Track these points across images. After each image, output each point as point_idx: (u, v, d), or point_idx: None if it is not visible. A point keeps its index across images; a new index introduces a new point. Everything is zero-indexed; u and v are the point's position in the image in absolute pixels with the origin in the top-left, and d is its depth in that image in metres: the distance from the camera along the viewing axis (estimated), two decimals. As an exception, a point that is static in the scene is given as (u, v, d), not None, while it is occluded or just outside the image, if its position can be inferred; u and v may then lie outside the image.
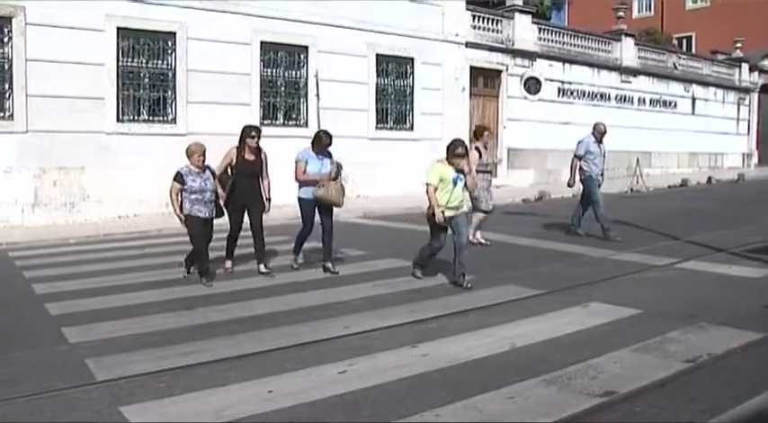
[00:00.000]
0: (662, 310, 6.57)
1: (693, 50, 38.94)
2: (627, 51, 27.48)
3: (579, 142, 12.19)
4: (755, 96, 35.65)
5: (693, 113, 30.87)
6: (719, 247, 10.25)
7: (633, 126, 26.70)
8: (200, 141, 8.06)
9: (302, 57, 17.42)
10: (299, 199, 8.64)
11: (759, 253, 9.77)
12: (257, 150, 8.51)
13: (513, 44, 22.74)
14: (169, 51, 15.23)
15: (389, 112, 19.39)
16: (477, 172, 10.01)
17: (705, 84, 31.87)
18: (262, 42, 16.61)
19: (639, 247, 10.22)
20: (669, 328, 5.90)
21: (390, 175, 18.01)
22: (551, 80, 24.00)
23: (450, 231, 7.79)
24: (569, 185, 12.30)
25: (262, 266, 8.54)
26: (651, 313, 6.46)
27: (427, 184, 7.72)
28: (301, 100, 17.44)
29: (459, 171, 7.69)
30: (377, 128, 18.50)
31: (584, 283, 7.85)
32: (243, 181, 8.36)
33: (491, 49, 22.14)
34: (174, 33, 15.20)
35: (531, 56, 23.29)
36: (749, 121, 35.38)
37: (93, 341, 5.68)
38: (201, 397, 4.39)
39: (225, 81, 15.85)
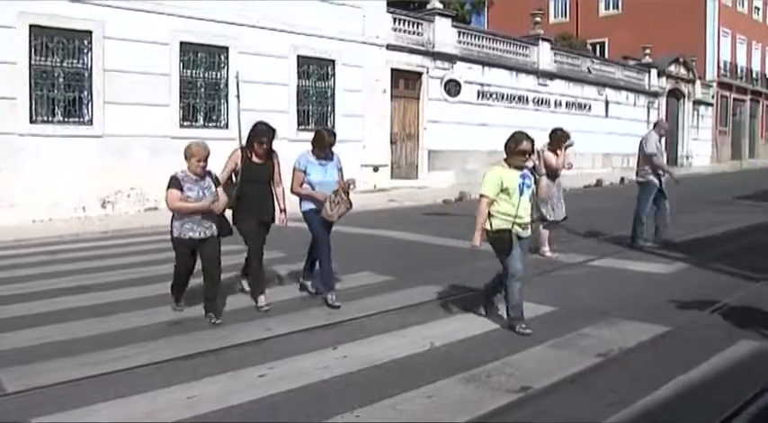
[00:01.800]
0: (576, 307, 6.79)
1: (606, 55, 40.24)
2: (544, 55, 28.19)
3: (645, 140, 10.88)
4: (663, 100, 37.10)
5: (607, 116, 31.88)
6: (632, 244, 10.64)
7: (550, 128, 27.26)
8: (203, 141, 6.59)
9: (223, 57, 17.21)
10: (304, 213, 7.15)
11: (669, 249, 10.21)
12: (269, 152, 6.98)
13: (433, 47, 23.02)
14: (85, 50, 14.80)
15: (311, 113, 19.37)
16: (549, 176, 9.30)
17: (617, 87, 32.99)
18: (181, 43, 16.33)
19: (556, 246, 10.50)
20: (583, 324, 6.11)
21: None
22: (471, 83, 24.37)
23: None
24: (677, 182, 11.10)
25: (261, 299, 6.88)
26: (566, 310, 6.68)
27: (481, 196, 6.01)
28: (222, 101, 17.23)
29: (525, 175, 6.04)
30: (298, 129, 18.42)
31: None
32: (251, 189, 6.79)
33: (412, 51, 22.33)
34: (91, 32, 14.78)
35: (451, 59, 23.61)
36: (659, 123, 36.77)
37: (4, 351, 5.47)
38: (118, 406, 4.31)
39: (143, 82, 15.50)
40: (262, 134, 6.81)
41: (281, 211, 7.07)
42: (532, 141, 6.01)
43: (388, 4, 21.91)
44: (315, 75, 19.49)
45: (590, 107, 30.85)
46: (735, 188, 22.46)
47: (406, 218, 15.00)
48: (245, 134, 6.97)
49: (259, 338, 5.73)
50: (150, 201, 15.40)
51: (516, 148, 5.92)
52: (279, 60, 18.31)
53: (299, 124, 18.66)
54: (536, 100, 27.46)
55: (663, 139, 11.04)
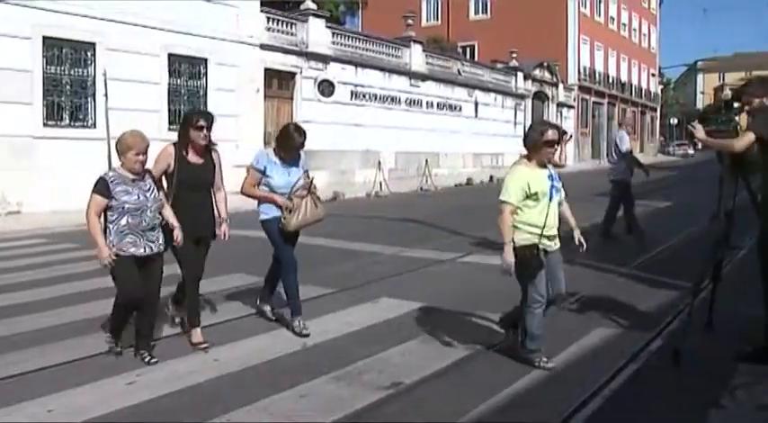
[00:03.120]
0: (445, 303, 6.97)
1: (476, 58, 41.61)
2: (416, 57, 28.81)
3: (620, 139, 11.16)
4: (529, 102, 38.80)
5: (477, 117, 32.95)
6: (500, 240, 11.01)
7: (422, 128, 28.05)
8: (139, 130, 5.27)
9: (89, 54, 16.59)
10: (263, 222, 6.02)
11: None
12: (207, 149, 5.64)
13: (307, 47, 23.06)
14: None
15: (182, 113, 18.85)
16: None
17: (486, 89, 34.16)
18: (44, 37, 15.60)
19: (428, 244, 10.78)
20: (452, 319, 6.33)
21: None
22: (344, 83, 24.60)
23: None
24: (648, 174, 11.64)
25: (198, 334, 5.60)
26: (436, 306, 6.85)
27: (503, 203, 4.88)
28: (89, 100, 16.60)
29: (552, 175, 5.03)
30: (170, 129, 17.95)
31: (375, 280, 8.16)
32: (187, 195, 5.49)
33: (286, 51, 22.32)
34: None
35: (324, 59, 23.73)
36: (524, 124, 38.30)
37: None
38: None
39: (2, 78, 14.71)
40: (198, 116, 5.54)
41: (221, 222, 5.78)
42: (559, 129, 5.07)
43: (262, 4, 21.80)
44: (187, 73, 19.11)
45: (460, 108, 31.78)
46: (593, 185, 23.68)
47: (281, 218, 14.91)
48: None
49: (126, 345, 5.49)
50: (12, 204, 14.66)
51: (542, 140, 4.86)
52: (150, 58, 17.82)
53: (170, 124, 18.17)
54: (408, 101, 28.01)
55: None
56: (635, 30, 60.15)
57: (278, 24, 22.35)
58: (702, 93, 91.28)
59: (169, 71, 18.49)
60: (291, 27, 22.83)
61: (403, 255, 10.05)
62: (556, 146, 5.02)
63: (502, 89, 35.81)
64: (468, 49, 45.20)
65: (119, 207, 5.02)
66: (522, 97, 37.85)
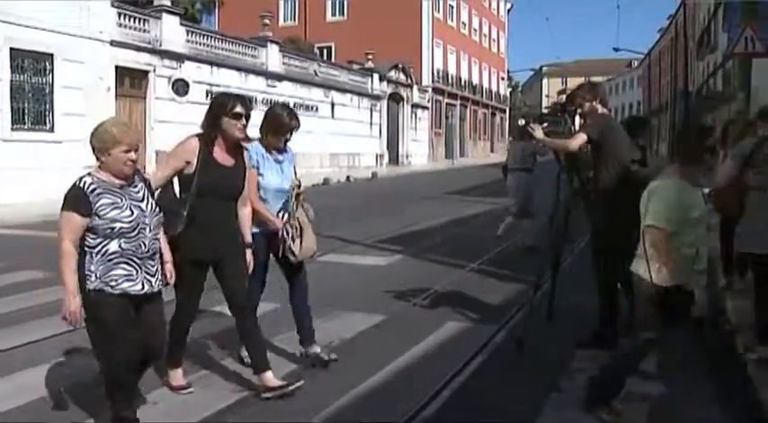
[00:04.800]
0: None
1: (333, 59, 42.04)
2: (272, 57, 28.92)
3: None
4: (385, 103, 39.76)
5: (333, 117, 33.45)
6: (355, 239, 11.45)
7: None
8: (121, 118, 4.05)
9: None
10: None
11: (388, 243, 11.18)
12: (239, 147, 4.51)
13: (160, 45, 22.66)
14: None
15: (27, 111, 18.07)
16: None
17: (343, 90, 34.74)
18: None
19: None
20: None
21: (28, 180, 16.68)
22: (200, 82, 24.36)
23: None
24: None
25: (179, 375, 4.66)
26: (289, 308, 6.98)
27: (655, 229, 3.80)
28: None
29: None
30: (12, 129, 17.20)
31: None
32: (210, 206, 4.31)
33: (138, 48, 21.82)
34: None
35: (179, 57, 23.42)
36: (380, 125, 39.30)
37: None
38: None
39: None
40: (236, 101, 4.38)
41: (246, 245, 4.62)
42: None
43: (113, -1, 21.17)
44: (31, 69, 18.23)
45: (317, 108, 32.17)
46: (446, 184, 24.78)
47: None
48: None
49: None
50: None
51: (704, 143, 3.92)
52: (-11, 52, 16.93)
53: (13, 123, 17.36)
54: (265, 101, 27.96)
55: None
56: (485, 35, 62.76)
57: (130, 20, 21.78)
58: (547, 96, 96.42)
59: (11, 66, 17.60)
60: (144, 24, 22.34)
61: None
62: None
63: (358, 90, 36.51)
64: (325, 50, 45.60)
65: (105, 228, 3.60)
66: (378, 98, 38.73)
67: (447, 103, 51.42)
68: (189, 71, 23.84)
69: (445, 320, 6.51)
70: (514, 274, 8.52)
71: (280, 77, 29.18)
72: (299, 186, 5.07)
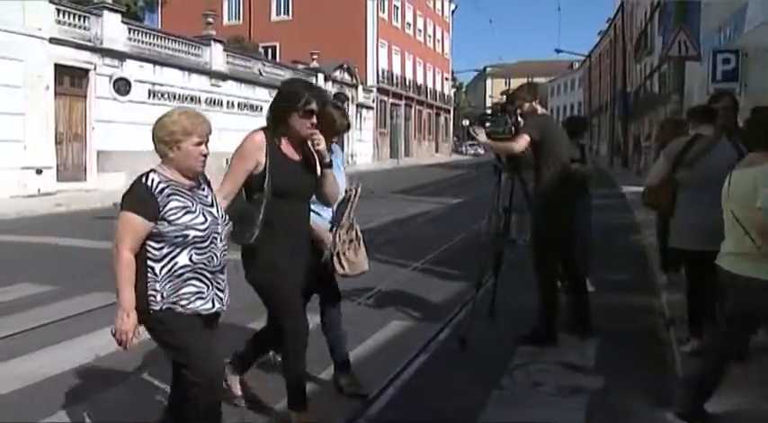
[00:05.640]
0: (239, 305, 6.95)
1: (278, 59, 41.90)
2: (216, 57, 28.65)
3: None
4: (331, 103, 39.69)
5: (278, 117, 33.20)
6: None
7: (223, 128, 27.79)
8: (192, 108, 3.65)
9: None
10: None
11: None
12: (303, 141, 3.85)
13: (101, 43, 22.23)
14: None
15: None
16: None
17: (288, 90, 34.52)
18: None
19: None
20: (249, 320, 6.12)
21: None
22: (142, 82, 23.96)
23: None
24: None
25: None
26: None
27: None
28: None
29: None
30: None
31: None
32: (284, 209, 3.75)
33: (78, 46, 21.36)
34: None
35: (120, 56, 23.00)
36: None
37: None
38: None
39: None
40: (311, 96, 3.75)
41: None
42: None
43: (52, -5, 20.69)
44: (-36, 67, 17.80)
45: (261, 108, 31.87)
46: (390, 184, 24.92)
47: (75, 223, 14.51)
48: None
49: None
50: None
51: None
52: None
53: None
54: (209, 100, 27.81)
55: None
56: (430, 35, 63.32)
57: (70, 17, 21.30)
58: (491, 96, 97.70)
59: (-57, 64, 17.15)
60: (85, 21, 21.86)
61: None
62: None
63: (303, 90, 36.36)
64: (269, 50, 45.39)
65: (176, 235, 3.11)
66: (324, 98, 38.69)
67: (392, 103, 51.69)
68: (131, 70, 23.42)
69: (389, 319, 6.57)
70: (457, 272, 8.63)
71: (224, 77, 28.92)
72: (358, 188, 4.50)
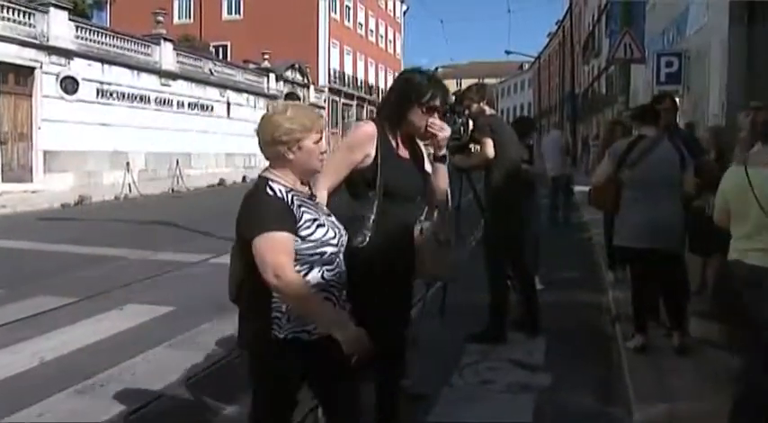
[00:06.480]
0: (194, 305, 6.95)
1: (229, 58, 41.45)
2: (166, 56, 28.25)
3: (554, 140, 13.27)
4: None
5: (229, 117, 32.98)
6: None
7: (173, 128, 27.64)
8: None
9: None
10: None
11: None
12: (413, 137, 3.51)
13: (48, 40, 21.72)
14: None
15: None
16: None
17: (239, 90, 34.30)
18: None
19: (179, 246, 10.83)
20: (201, 321, 6.39)
21: None
22: (90, 80, 23.53)
23: None
24: None
25: None
26: (184, 309, 6.87)
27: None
28: None
29: None
30: None
31: (121, 286, 7.96)
32: (395, 211, 3.33)
33: (23, 43, 20.84)
34: None
35: (68, 54, 22.54)
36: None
37: None
38: None
39: None
40: (435, 91, 3.39)
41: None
42: None
43: (-6, -9, 20.17)
44: None
45: (212, 108, 31.69)
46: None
47: (20, 225, 14.22)
48: None
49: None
50: None
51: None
52: None
53: None
54: (159, 100, 27.45)
55: None
56: (381, 36, 63.35)
57: (13, 14, 20.74)
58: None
59: None
60: (30, 18, 21.32)
61: (153, 258, 10.05)
62: None
63: (254, 90, 36.12)
64: (220, 49, 44.89)
65: (311, 253, 2.64)
66: (275, 98, 38.44)
67: (344, 104, 51.63)
68: (78, 68, 22.96)
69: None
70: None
71: (174, 76, 28.53)
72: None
